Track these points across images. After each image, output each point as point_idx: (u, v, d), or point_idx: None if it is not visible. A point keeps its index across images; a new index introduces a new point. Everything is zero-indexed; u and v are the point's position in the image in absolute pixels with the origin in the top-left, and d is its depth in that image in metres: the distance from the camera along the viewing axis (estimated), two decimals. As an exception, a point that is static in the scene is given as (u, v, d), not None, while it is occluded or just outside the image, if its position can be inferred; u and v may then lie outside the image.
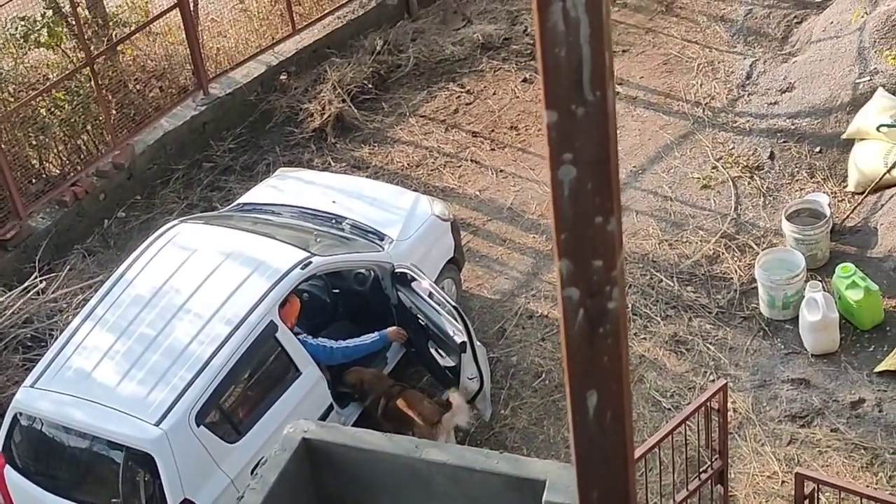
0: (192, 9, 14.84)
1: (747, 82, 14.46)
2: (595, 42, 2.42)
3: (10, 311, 12.02)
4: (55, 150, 14.22)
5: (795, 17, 15.25)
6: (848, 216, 12.42)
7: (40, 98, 13.81)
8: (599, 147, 2.50)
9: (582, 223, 2.57)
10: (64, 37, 14.09)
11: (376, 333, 10.78)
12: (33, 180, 13.94)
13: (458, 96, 15.16)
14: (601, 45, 2.42)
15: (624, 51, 15.30)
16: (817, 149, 13.22)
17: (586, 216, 2.56)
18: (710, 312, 11.86)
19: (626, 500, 2.93)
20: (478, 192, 13.74)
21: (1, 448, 10.07)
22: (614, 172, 2.53)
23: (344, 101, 14.89)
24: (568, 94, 2.45)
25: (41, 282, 12.46)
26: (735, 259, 12.31)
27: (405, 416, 10.43)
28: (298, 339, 10.42)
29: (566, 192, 2.54)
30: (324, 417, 10.35)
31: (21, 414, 9.94)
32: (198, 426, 9.52)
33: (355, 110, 14.89)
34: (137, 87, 14.99)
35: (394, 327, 10.91)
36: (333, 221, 11.56)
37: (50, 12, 14.02)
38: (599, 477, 2.88)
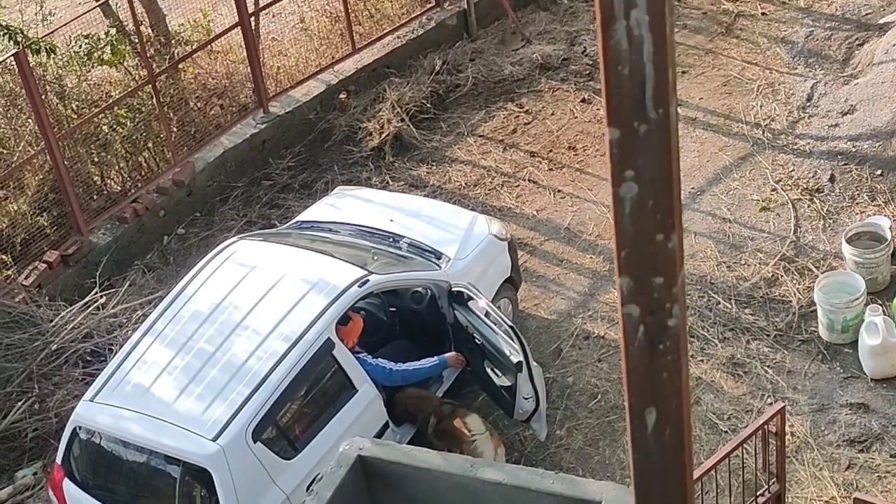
0: (253, 28, 14.96)
1: (808, 104, 14.38)
2: (659, 60, 2.43)
3: (71, 325, 12.14)
4: (117, 167, 14.36)
5: (857, 39, 15.15)
6: (909, 240, 12.31)
7: (103, 115, 13.96)
8: (661, 164, 2.50)
9: (643, 240, 2.57)
10: (127, 55, 14.24)
11: (436, 358, 10.79)
12: (95, 196, 14.09)
13: (517, 116, 15.17)
14: (665, 63, 2.43)
15: (683, 72, 15.26)
16: (878, 172, 13.12)
17: (647, 233, 2.57)
18: (768, 335, 11.78)
19: (684, 519, 2.92)
20: (535, 212, 13.74)
21: (60, 461, 10.16)
22: (676, 190, 2.54)
23: (402, 120, 14.94)
24: (631, 111, 2.46)
25: (101, 297, 12.58)
26: (794, 282, 12.23)
27: (457, 433, 10.44)
28: (358, 357, 10.45)
29: (627, 209, 2.55)
30: (379, 435, 10.36)
31: (80, 428, 10.03)
32: (254, 442, 9.57)
33: (414, 129, 14.94)
34: (198, 104, 15.12)
35: (453, 353, 10.92)
36: (391, 240, 11.60)
37: (113, 30, 14.18)
38: (657, 493, 2.88)
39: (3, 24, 13.16)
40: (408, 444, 10.18)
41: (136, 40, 14.10)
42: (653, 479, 2.84)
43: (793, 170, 13.52)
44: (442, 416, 10.63)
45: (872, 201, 12.90)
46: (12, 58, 12.79)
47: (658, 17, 2.38)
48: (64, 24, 14.12)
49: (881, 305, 11.51)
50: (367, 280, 10.49)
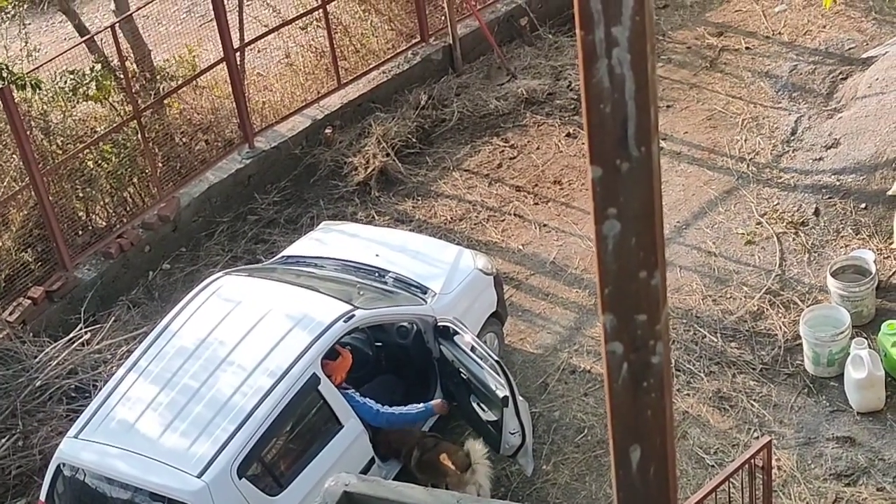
0: (238, 63, 14.98)
1: (792, 138, 14.43)
2: (640, 99, 2.43)
3: (56, 361, 12.09)
4: (102, 203, 14.34)
5: (840, 73, 15.22)
6: (894, 273, 12.34)
7: (88, 151, 13.95)
8: (644, 202, 2.51)
9: (626, 278, 2.58)
10: (112, 90, 14.23)
11: (423, 405, 10.77)
12: (80, 232, 14.06)
13: (502, 150, 15.20)
14: (646, 101, 2.44)
15: (668, 106, 15.31)
16: (863, 205, 13.16)
17: (630, 271, 2.57)
18: (754, 369, 11.78)
19: (669, 557, 2.91)
20: (521, 247, 13.75)
21: (44, 498, 10.10)
22: (658, 227, 2.54)
23: (388, 154, 14.96)
24: (613, 149, 2.47)
25: (86, 333, 12.54)
26: (779, 315, 12.24)
27: (440, 467, 10.41)
28: (346, 394, 10.42)
29: (610, 246, 2.55)
30: (365, 471, 10.33)
31: (64, 464, 9.98)
32: (240, 478, 9.53)
33: (399, 164, 14.96)
34: (183, 140, 15.12)
35: (439, 400, 10.91)
36: (377, 275, 11.59)
37: (98, 66, 14.18)
38: (643, 533, 2.86)
39: (-11, 59, 13.17)
40: (394, 479, 10.15)
41: (122, 76, 14.11)
42: (637, 517, 2.83)
43: (777, 203, 13.56)
44: (425, 449, 10.61)
45: (857, 234, 12.93)
46: (-3, 93, 12.78)
47: (640, 56, 2.39)
48: (49, 60, 14.13)
49: (866, 339, 11.51)
50: (353, 315, 10.48)
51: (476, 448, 10.41)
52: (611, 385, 2.69)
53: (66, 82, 14.01)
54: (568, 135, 15.21)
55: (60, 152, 13.93)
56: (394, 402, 11.03)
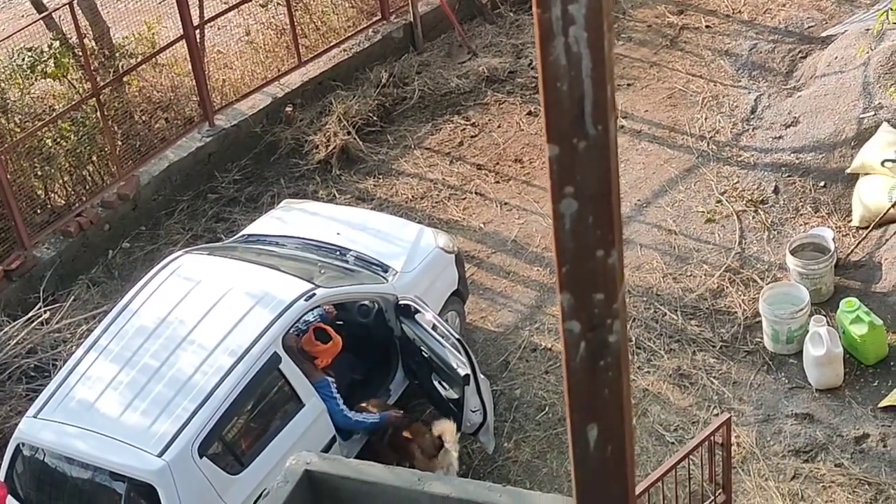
0: (197, 41, 14.89)
1: (752, 116, 14.48)
2: (597, 77, 2.43)
3: (14, 341, 12.02)
4: (60, 181, 14.24)
5: (800, 51, 15.28)
6: (852, 251, 12.42)
7: (46, 129, 13.84)
8: (601, 181, 2.50)
9: (583, 256, 2.57)
10: (70, 68, 14.14)
11: (378, 416, 10.69)
12: (38, 211, 13.97)
13: (463, 129, 15.19)
14: (603, 79, 2.43)
15: (628, 84, 15.33)
16: (822, 183, 13.23)
17: (587, 249, 2.57)
18: (713, 346, 11.84)
19: (627, 534, 2.92)
20: (482, 225, 13.75)
21: (3, 478, 10.05)
22: (616, 206, 2.54)
23: (349, 133, 14.92)
24: (570, 128, 2.46)
25: (45, 312, 12.47)
26: (739, 293, 12.31)
27: (408, 447, 10.43)
28: (324, 382, 10.41)
29: (567, 225, 2.55)
30: (327, 449, 10.33)
31: (24, 444, 9.94)
32: (200, 457, 9.51)
33: (360, 142, 14.92)
34: (143, 118, 15.03)
35: (392, 411, 10.85)
36: (338, 253, 11.57)
37: (57, 43, 14.08)
38: (600, 511, 2.87)
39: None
40: (356, 457, 10.15)
41: (80, 53, 14.00)
42: (595, 495, 2.84)
43: (737, 182, 13.61)
44: (398, 428, 10.62)
45: (816, 212, 13.01)
46: (-46, 71, 12.67)
47: (597, 33, 2.39)
48: (6, 37, 14.00)
49: (825, 316, 11.59)
50: (314, 294, 10.47)
51: (448, 429, 10.40)
52: (568, 364, 2.69)
53: (23, 59, 13.90)
54: (529, 113, 15.21)
55: (18, 130, 13.82)
56: (354, 381, 11.04)
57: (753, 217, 13.15)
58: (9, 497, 10.02)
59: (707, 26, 16.09)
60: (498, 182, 14.34)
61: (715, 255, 12.79)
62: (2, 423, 11.44)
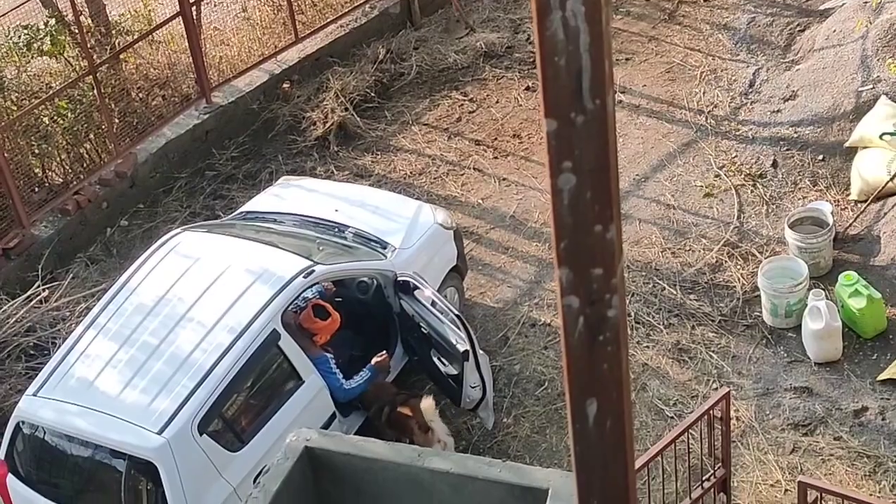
0: (194, 17, 14.84)
1: (750, 90, 14.46)
2: (595, 51, 2.42)
3: (13, 319, 12.02)
4: (58, 159, 14.22)
5: (798, 25, 15.25)
6: (851, 224, 12.42)
7: (43, 107, 13.82)
8: (599, 155, 2.50)
9: (581, 231, 2.57)
10: (67, 45, 14.10)
11: (367, 370, 10.71)
12: (36, 189, 13.95)
13: (461, 104, 15.16)
14: (601, 53, 2.42)
15: (627, 59, 15.30)
16: (820, 157, 13.22)
17: (586, 224, 2.56)
18: (712, 321, 11.85)
19: (626, 509, 2.92)
20: (480, 201, 13.74)
21: (3, 457, 10.07)
22: (614, 181, 2.53)
23: (346, 109, 14.90)
24: (567, 102, 2.45)
25: (44, 290, 12.47)
26: (738, 267, 12.30)
27: (406, 423, 10.44)
28: (323, 358, 10.42)
29: (566, 200, 2.54)
30: (326, 426, 10.34)
31: (24, 422, 9.94)
32: (200, 435, 9.52)
33: (358, 119, 14.90)
34: (140, 95, 15.00)
35: (377, 358, 10.84)
36: (336, 230, 11.56)
37: (53, 21, 14.04)
38: (599, 485, 2.88)
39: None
40: (355, 434, 10.17)
41: (76, 31, 13.97)
42: (594, 470, 2.84)
43: (736, 156, 13.60)
44: (395, 406, 10.63)
45: (814, 186, 13.00)
46: (-50, 49, 12.64)
47: (594, 7, 2.37)
48: (2, 15, 13.96)
49: (824, 290, 11.59)
50: (313, 270, 10.46)
51: (425, 406, 10.40)
52: (567, 339, 2.69)
53: (19, 37, 13.87)
54: (527, 88, 15.19)
55: (15, 108, 13.79)
56: (353, 357, 11.04)
57: (752, 191, 13.14)
58: (9, 475, 10.04)
59: (705, 0, 16.05)
60: (496, 157, 14.32)
61: (713, 230, 12.79)
62: (1, 401, 11.45)
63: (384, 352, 10.86)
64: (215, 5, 16.55)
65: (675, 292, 12.16)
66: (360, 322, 11.27)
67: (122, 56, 14.69)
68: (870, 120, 12.75)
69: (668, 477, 9.38)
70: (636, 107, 14.61)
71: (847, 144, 12.98)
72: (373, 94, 15.21)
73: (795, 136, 13.50)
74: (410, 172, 14.26)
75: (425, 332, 10.87)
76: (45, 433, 9.91)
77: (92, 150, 14.42)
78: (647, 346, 11.68)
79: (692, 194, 13.28)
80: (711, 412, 9.15)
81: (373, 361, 10.78)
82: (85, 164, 14.34)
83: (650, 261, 12.54)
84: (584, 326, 2.66)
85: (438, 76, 15.58)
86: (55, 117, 14.02)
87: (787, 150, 13.42)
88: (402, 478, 8.06)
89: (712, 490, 9.47)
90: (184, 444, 9.40)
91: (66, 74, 14.23)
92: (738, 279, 12.19)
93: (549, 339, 11.97)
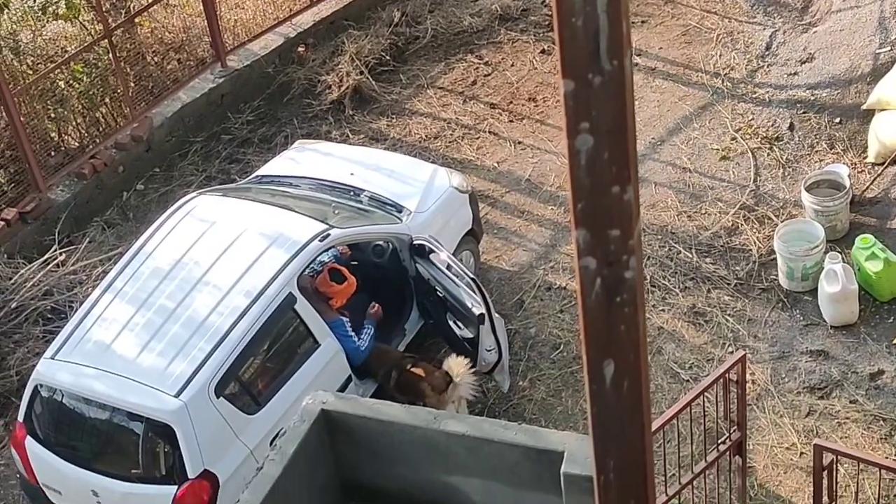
0: (209, -19, 14.82)
1: (767, 53, 14.39)
2: (612, 11, 2.41)
3: (31, 283, 12.06)
4: (74, 123, 14.24)
5: (815, -13, 15.15)
6: (868, 187, 12.38)
7: (59, 71, 13.82)
8: (616, 116, 2.49)
9: (598, 193, 2.57)
10: (82, 9, 14.09)
11: (368, 325, 10.74)
12: (52, 153, 13.97)
13: (477, 68, 15.12)
14: (618, 14, 2.41)
15: (643, 21, 15.24)
16: (837, 119, 13.17)
17: (603, 186, 2.56)
18: (728, 284, 11.84)
19: (642, 470, 2.94)
20: (496, 164, 13.72)
21: (22, 419, 10.13)
22: (631, 142, 2.53)
23: (362, 73, 14.87)
24: (585, 63, 2.45)
25: (61, 254, 12.51)
26: (754, 231, 12.28)
27: (417, 387, 10.45)
28: (339, 321, 10.44)
29: (583, 161, 2.54)
30: (343, 389, 10.37)
31: (42, 385, 9.99)
32: (217, 397, 9.56)
33: (373, 82, 14.87)
34: (155, 59, 14.99)
35: (371, 309, 10.87)
36: (351, 193, 11.56)
37: (68, -16, 14.03)
38: (616, 446, 2.89)
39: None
40: (371, 397, 10.20)
41: (92, -6, 13.95)
42: (611, 431, 2.85)
43: (752, 119, 13.55)
44: (403, 370, 10.64)
45: (831, 149, 12.95)
46: (-35, 13, 12.63)
47: (611, -33, 2.37)
48: (17, -21, 13.95)
49: (840, 253, 11.57)
50: (329, 234, 10.47)
51: (455, 363, 10.42)
52: (584, 300, 2.69)
53: (35, 1, 13.85)
54: (542, 51, 15.13)
55: (31, 72, 13.80)
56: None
57: (768, 154, 13.10)
58: (28, 438, 10.10)
59: (722, -38, 15.95)
60: (511, 121, 14.30)
61: (730, 193, 12.76)
62: (20, 364, 11.51)
63: (374, 303, 10.87)
64: (230, -32, 16.50)
65: (690, 255, 12.14)
66: (375, 286, 11.28)
67: (137, 20, 14.66)
68: (887, 82, 12.69)
69: (683, 440, 9.40)
70: (652, 70, 14.55)
71: (864, 107, 12.92)
72: (388, 58, 15.18)
73: (812, 98, 13.44)
74: (426, 136, 14.24)
75: (441, 295, 10.88)
76: (62, 396, 9.97)
77: (108, 114, 14.43)
78: (663, 310, 11.68)
79: (708, 157, 13.24)
80: (727, 375, 9.15)
81: (370, 312, 10.80)
82: (101, 128, 14.35)
83: (666, 224, 12.52)
84: (601, 287, 2.66)
85: (454, 39, 15.53)
86: (71, 81, 14.02)
87: (804, 112, 13.37)
88: (417, 440, 8.08)
89: (728, 453, 9.48)
90: (201, 406, 9.44)
91: (82, 38, 14.22)
92: (754, 242, 12.17)
93: (564, 302, 11.97)
